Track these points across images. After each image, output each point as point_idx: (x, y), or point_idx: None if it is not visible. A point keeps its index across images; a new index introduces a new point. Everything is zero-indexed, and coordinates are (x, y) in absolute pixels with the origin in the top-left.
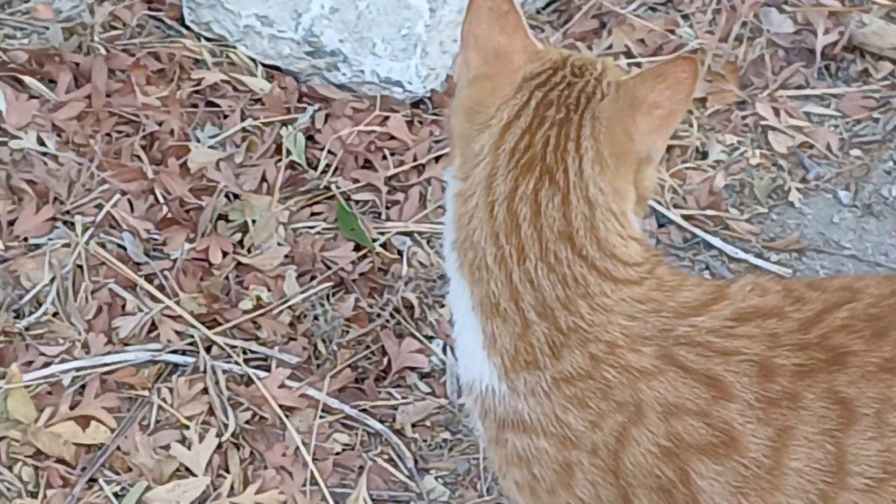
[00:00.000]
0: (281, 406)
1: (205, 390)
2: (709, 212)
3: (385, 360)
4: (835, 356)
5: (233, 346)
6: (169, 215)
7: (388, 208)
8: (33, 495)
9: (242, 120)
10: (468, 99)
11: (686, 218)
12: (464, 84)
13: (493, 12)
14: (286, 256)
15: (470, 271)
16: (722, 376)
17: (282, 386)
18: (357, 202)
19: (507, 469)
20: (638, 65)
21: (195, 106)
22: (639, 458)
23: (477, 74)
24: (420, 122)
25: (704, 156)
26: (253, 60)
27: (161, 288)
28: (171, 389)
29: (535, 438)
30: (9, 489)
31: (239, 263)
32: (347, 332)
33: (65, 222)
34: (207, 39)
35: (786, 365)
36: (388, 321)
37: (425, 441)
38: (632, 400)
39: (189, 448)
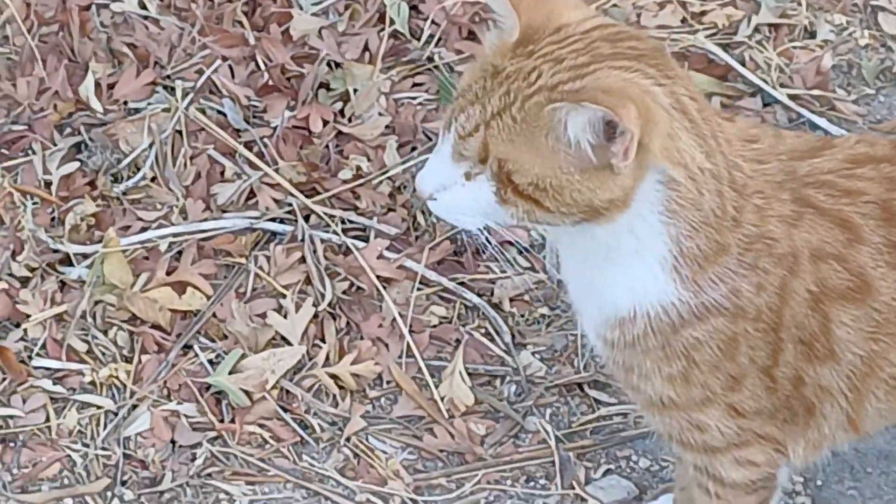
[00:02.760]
0: (378, 277)
1: (302, 259)
2: (815, 92)
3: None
4: None
5: (331, 216)
6: (270, 82)
7: None
8: (128, 360)
9: None
10: None
11: (792, 97)
12: None
13: None
14: (387, 127)
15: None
16: (852, 218)
17: (380, 257)
18: (460, 73)
19: (662, 368)
20: None
21: None
22: (795, 311)
23: None
24: None
25: (812, 35)
26: None
27: (260, 155)
28: (268, 258)
29: (708, 322)
30: (104, 353)
31: (339, 133)
32: None
33: (165, 87)
34: None
35: None
36: None
37: (523, 316)
38: (790, 250)
39: (285, 317)
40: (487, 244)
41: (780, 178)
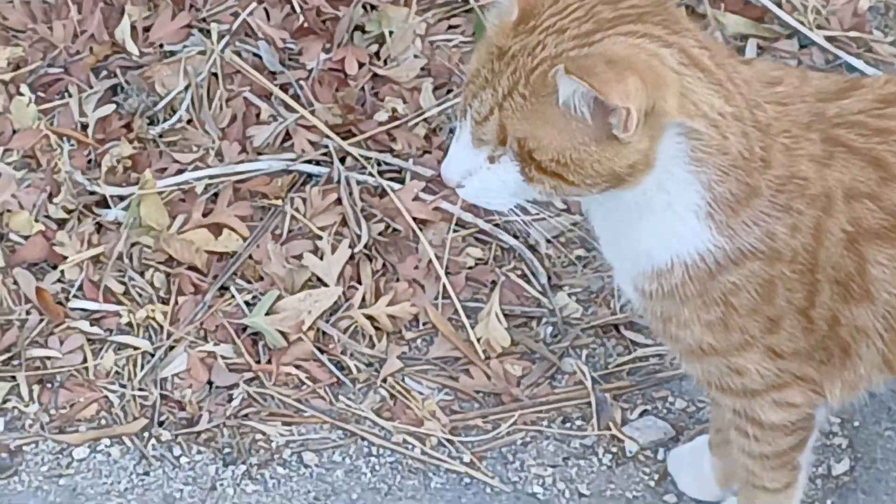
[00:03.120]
0: (414, 219)
1: (338, 201)
2: (852, 33)
3: None
4: None
5: (367, 158)
6: (305, 24)
7: None
8: (164, 301)
9: None
10: None
11: (829, 39)
12: None
13: None
14: (422, 69)
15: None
16: (884, 156)
17: (416, 198)
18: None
19: (700, 315)
20: None
21: None
22: (830, 251)
23: None
24: None
25: None
26: None
27: (296, 97)
28: (304, 199)
29: (745, 266)
30: (140, 295)
31: (375, 75)
32: None
33: (200, 30)
34: None
35: None
36: None
37: (559, 257)
38: (822, 190)
39: (321, 258)
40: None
41: (807, 119)
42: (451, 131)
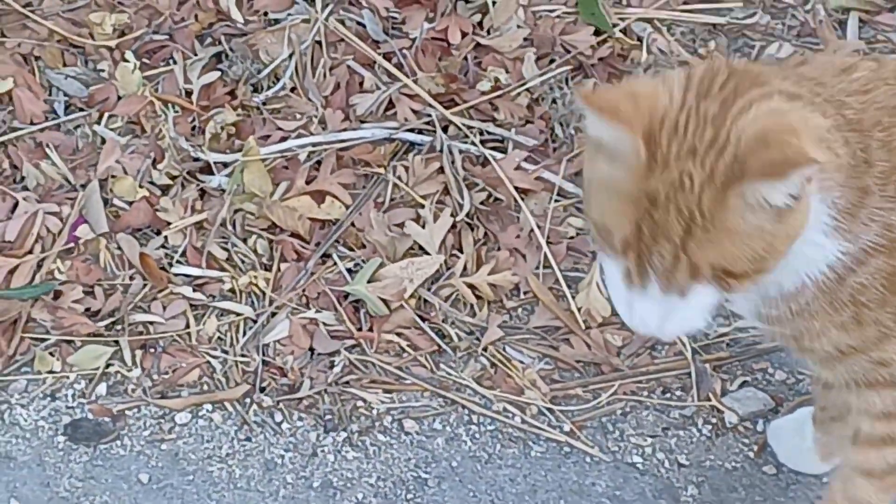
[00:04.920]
0: (516, 188)
1: (440, 170)
2: None
3: None
4: None
5: (469, 127)
6: None
7: None
8: (267, 268)
9: None
10: None
11: None
12: None
13: None
14: (525, 39)
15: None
16: None
17: (518, 168)
18: None
19: (833, 320)
20: None
21: None
22: None
23: None
24: None
25: None
26: None
27: (399, 66)
28: (406, 168)
29: (870, 264)
30: (243, 261)
31: (478, 44)
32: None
33: None
34: None
35: None
36: None
37: None
38: None
39: (423, 227)
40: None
41: (894, 101)
42: (553, 101)
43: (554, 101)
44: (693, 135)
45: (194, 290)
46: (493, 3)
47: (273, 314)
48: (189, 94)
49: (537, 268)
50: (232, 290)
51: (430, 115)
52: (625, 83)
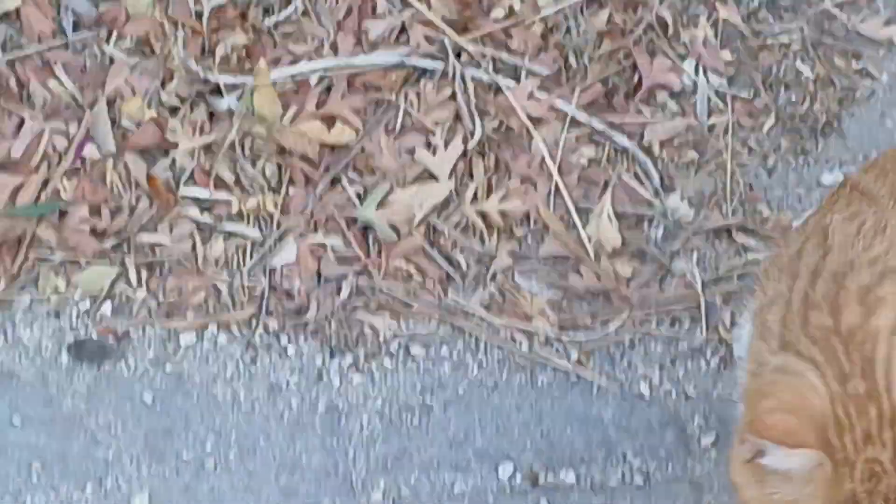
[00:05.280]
0: (529, 116)
1: (452, 97)
2: None
3: (636, 77)
4: None
5: (482, 54)
6: None
7: None
8: (275, 191)
9: None
10: None
11: None
12: None
13: None
14: None
15: None
16: None
17: (530, 96)
18: None
19: None
20: None
21: None
22: None
23: None
24: None
25: None
26: None
27: None
28: (418, 94)
29: None
30: (252, 184)
31: None
32: (599, 46)
33: None
34: None
35: None
36: (640, 37)
37: (672, 160)
38: None
39: (434, 153)
40: None
41: None
42: (567, 30)
43: (568, 29)
44: (859, 419)
45: (202, 212)
46: None
47: (280, 238)
48: (199, 15)
49: (548, 197)
50: (239, 213)
51: (442, 42)
52: (758, 394)
